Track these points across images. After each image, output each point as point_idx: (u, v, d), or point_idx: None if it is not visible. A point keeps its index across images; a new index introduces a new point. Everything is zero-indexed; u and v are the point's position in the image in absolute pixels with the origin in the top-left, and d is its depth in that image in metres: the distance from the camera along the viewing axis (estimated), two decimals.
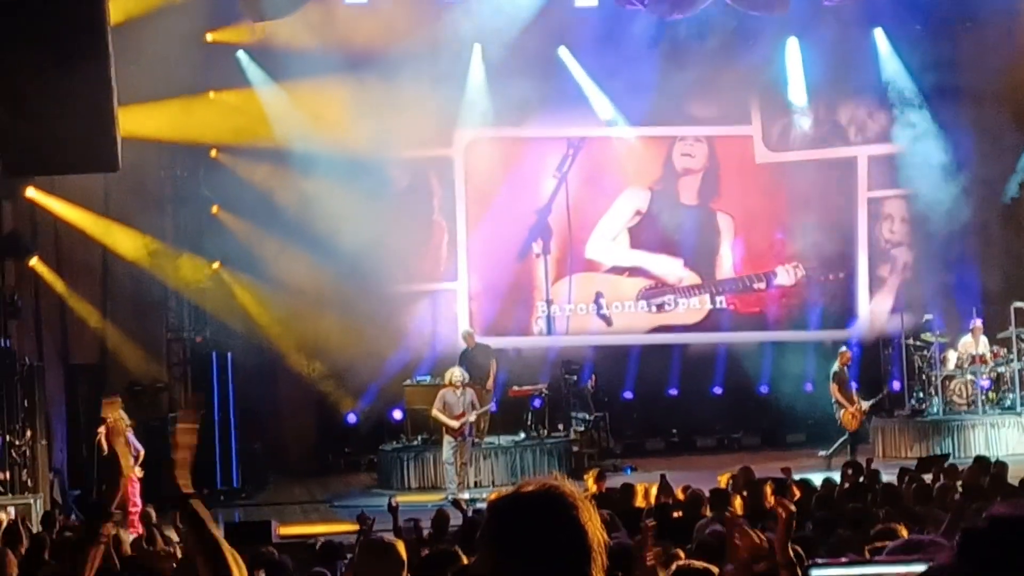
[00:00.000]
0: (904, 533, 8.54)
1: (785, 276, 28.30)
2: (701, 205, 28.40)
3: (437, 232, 27.91)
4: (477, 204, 27.96)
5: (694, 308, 28.34)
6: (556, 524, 3.20)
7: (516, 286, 28.04)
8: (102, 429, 20.24)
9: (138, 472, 20.08)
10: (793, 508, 7.00)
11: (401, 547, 6.27)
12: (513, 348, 27.39)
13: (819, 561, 3.23)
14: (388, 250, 25.80)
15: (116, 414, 20.28)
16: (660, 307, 28.21)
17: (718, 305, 28.37)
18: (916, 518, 12.09)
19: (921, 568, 1.70)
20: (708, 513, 13.82)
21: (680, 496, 15.38)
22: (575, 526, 3.20)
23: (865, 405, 23.73)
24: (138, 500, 19.79)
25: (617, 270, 28.33)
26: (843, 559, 5.96)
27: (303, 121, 25.55)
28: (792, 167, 28.10)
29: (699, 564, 5.11)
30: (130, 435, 20.40)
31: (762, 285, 28.41)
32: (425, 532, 14.02)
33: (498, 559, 3.25)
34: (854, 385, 24.37)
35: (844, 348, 24.40)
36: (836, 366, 23.81)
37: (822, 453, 24.00)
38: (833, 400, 23.77)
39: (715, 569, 5.07)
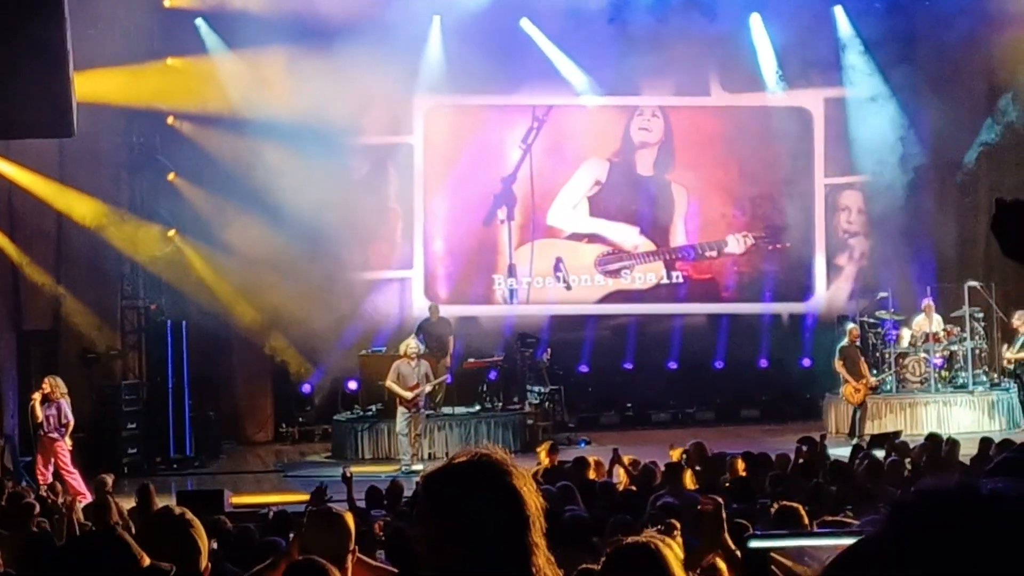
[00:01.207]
0: (802, 511, 8.58)
1: (736, 244, 28.54)
2: (657, 176, 28.67)
3: (392, 218, 28.07)
4: (439, 173, 28.13)
5: (649, 279, 28.53)
6: (489, 491, 3.17)
7: (480, 251, 28.33)
8: (36, 395, 20.37)
9: (68, 442, 20.32)
10: (719, 501, 7.01)
11: (349, 518, 6.26)
12: (471, 319, 27.42)
13: (757, 533, 3.24)
14: (345, 225, 25.84)
15: (52, 383, 20.48)
16: (616, 273, 28.40)
17: (674, 280, 28.55)
18: (867, 494, 12.17)
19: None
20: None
21: (633, 471, 15.45)
22: (509, 492, 3.17)
23: (874, 380, 23.79)
24: (71, 467, 20.00)
25: (576, 236, 28.69)
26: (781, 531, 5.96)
27: (261, 90, 25.44)
28: (746, 137, 28.26)
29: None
30: (63, 404, 20.50)
31: (713, 253, 28.68)
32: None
33: (435, 531, 3.23)
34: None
35: (853, 325, 24.38)
36: (845, 341, 23.84)
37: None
38: (839, 375, 23.80)
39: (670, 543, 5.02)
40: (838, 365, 23.62)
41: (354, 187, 26.48)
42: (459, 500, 3.20)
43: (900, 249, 26.77)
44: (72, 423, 20.61)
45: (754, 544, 2.98)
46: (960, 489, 1.63)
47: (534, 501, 3.22)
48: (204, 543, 4.51)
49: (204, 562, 4.49)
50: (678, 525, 8.93)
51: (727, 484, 13.95)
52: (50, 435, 20.32)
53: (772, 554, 3.09)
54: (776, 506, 9.10)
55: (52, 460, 20.23)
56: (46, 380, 20.77)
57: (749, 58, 27.87)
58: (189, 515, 4.60)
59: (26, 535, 11.43)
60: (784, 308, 28.59)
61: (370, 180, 27.42)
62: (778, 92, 28.07)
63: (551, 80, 27.80)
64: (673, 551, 4.71)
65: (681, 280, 28.62)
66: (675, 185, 28.74)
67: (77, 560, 3.78)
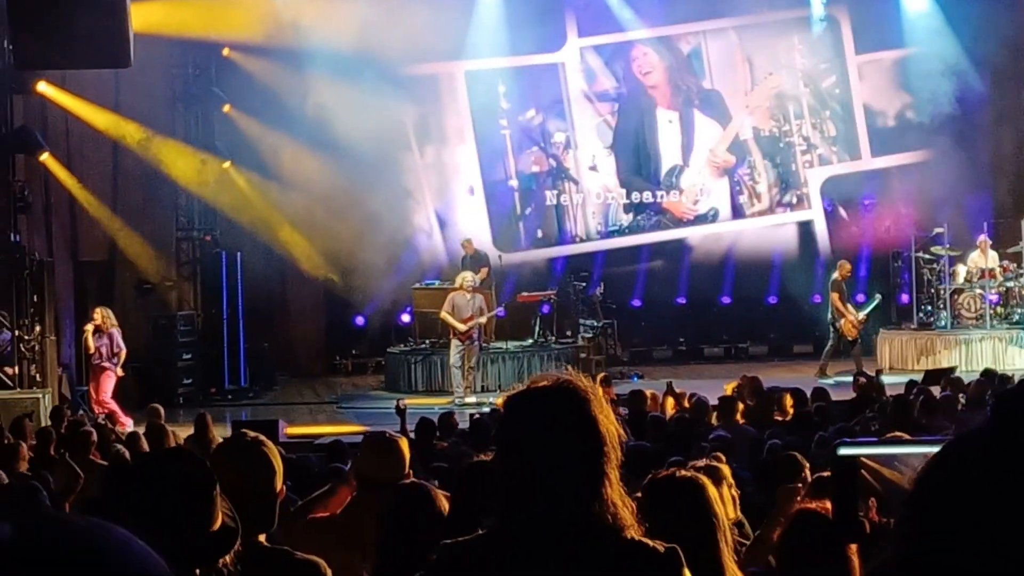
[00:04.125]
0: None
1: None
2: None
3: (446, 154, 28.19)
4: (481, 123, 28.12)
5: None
6: (567, 417, 3.17)
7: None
8: (89, 327, 20.60)
9: (119, 372, 20.60)
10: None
11: (404, 444, 6.29)
12: (522, 256, 27.52)
13: (846, 440, 3.25)
14: (398, 159, 26.00)
15: (103, 313, 20.74)
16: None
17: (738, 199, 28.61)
18: (922, 429, 12.14)
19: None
20: (714, 421, 13.92)
21: (685, 404, 15.46)
22: (587, 419, 3.17)
23: (861, 315, 23.86)
24: (109, 398, 20.36)
25: None
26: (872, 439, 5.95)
27: (316, 20, 25.35)
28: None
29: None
30: (115, 334, 20.75)
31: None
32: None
33: (510, 454, 3.25)
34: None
35: (843, 260, 24.42)
36: (836, 275, 23.89)
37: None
38: (831, 309, 23.85)
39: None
40: (835, 299, 23.68)
41: (408, 120, 26.60)
42: (536, 424, 3.20)
43: (956, 185, 26.51)
44: (124, 352, 20.89)
45: (844, 451, 3.01)
46: None
47: (611, 431, 3.22)
48: (279, 465, 4.56)
49: (280, 484, 4.55)
50: (723, 458, 8.91)
51: (783, 419, 13.99)
52: (102, 364, 20.62)
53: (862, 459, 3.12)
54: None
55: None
56: (97, 311, 21.05)
57: None
58: (264, 439, 4.65)
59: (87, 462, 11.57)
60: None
61: (424, 112, 27.46)
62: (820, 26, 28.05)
63: (602, 15, 27.77)
64: (713, 488, 4.72)
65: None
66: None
67: (154, 474, 3.82)
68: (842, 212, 28.20)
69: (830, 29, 28.22)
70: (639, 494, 4.75)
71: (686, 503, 4.54)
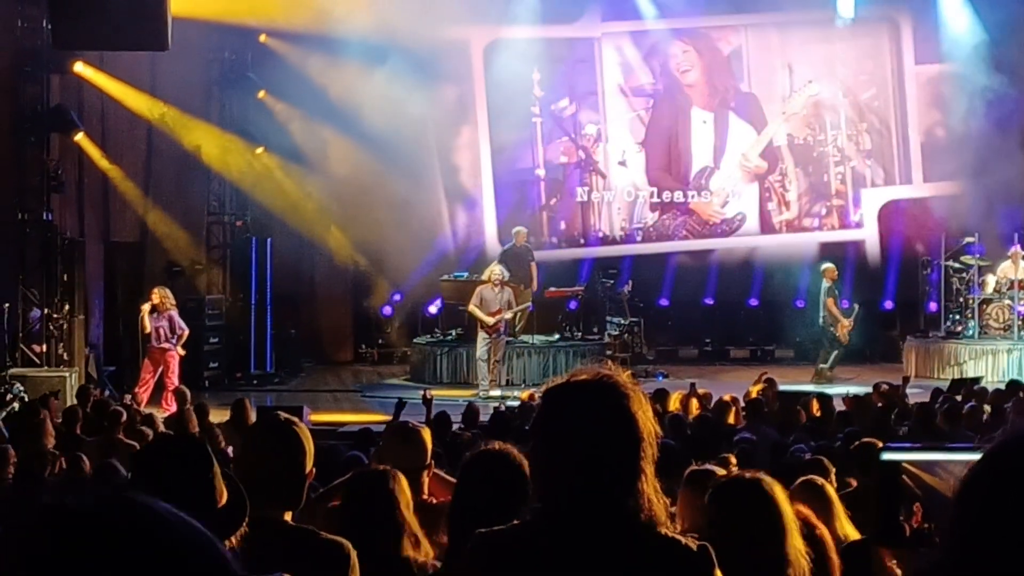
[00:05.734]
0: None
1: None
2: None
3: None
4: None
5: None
6: (606, 412, 3.20)
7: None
8: (145, 307, 20.55)
9: (180, 351, 20.56)
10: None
11: (426, 433, 6.35)
12: (555, 253, 27.60)
13: (890, 445, 3.29)
14: (431, 148, 26.03)
15: (162, 294, 20.68)
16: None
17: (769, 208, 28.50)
18: (945, 438, 12.13)
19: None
20: (731, 421, 13.96)
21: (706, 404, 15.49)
22: (625, 415, 3.20)
23: (850, 322, 23.84)
24: (176, 378, 20.18)
25: None
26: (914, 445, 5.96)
27: (352, 8, 25.36)
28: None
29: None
30: (174, 314, 20.74)
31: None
32: (455, 426, 14.16)
33: (547, 444, 3.27)
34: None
35: (830, 264, 24.30)
36: (827, 282, 23.78)
37: (822, 366, 23.99)
38: (825, 314, 23.74)
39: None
40: (830, 304, 23.63)
41: (442, 107, 26.67)
42: (575, 417, 3.23)
43: (989, 195, 26.39)
44: (187, 332, 20.89)
45: (887, 456, 3.04)
46: None
47: (648, 428, 3.24)
48: (311, 447, 4.62)
49: (310, 465, 4.61)
50: (733, 460, 8.94)
51: (804, 422, 14.01)
52: (161, 346, 20.54)
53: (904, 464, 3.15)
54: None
55: (159, 370, 20.46)
56: (155, 291, 20.93)
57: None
58: (297, 420, 4.71)
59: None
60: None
61: (459, 98, 27.52)
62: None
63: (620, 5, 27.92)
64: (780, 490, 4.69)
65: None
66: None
67: (157, 460, 3.89)
68: (918, 247, 27.90)
69: (874, 41, 28.16)
70: (706, 500, 4.76)
71: (755, 506, 4.52)
